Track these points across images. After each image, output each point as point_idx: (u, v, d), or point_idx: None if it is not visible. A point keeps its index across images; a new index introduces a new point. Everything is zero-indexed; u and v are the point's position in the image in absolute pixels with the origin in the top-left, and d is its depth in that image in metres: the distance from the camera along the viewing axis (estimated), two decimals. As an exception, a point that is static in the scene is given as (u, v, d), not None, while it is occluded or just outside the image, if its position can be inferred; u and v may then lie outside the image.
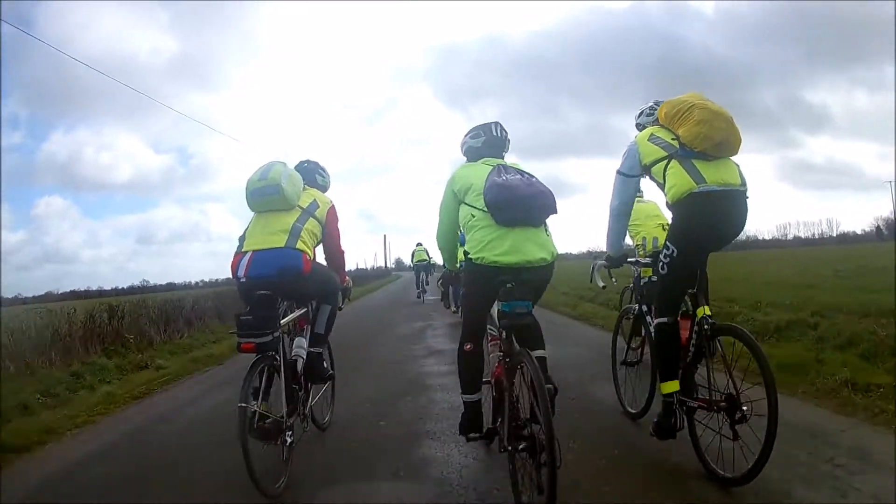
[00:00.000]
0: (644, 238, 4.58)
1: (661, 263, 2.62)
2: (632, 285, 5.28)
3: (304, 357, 3.03)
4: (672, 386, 2.59)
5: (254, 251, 2.79)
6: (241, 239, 2.89)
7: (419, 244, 15.95)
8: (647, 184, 2.93)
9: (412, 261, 15.91)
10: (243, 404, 2.42)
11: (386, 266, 62.61)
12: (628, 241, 4.19)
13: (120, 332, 7.42)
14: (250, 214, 2.99)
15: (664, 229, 3.55)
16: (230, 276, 2.85)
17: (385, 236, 59.22)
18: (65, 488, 2.91)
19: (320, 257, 3.22)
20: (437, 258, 15.84)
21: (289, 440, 2.68)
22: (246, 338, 2.57)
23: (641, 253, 4.48)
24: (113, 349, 6.83)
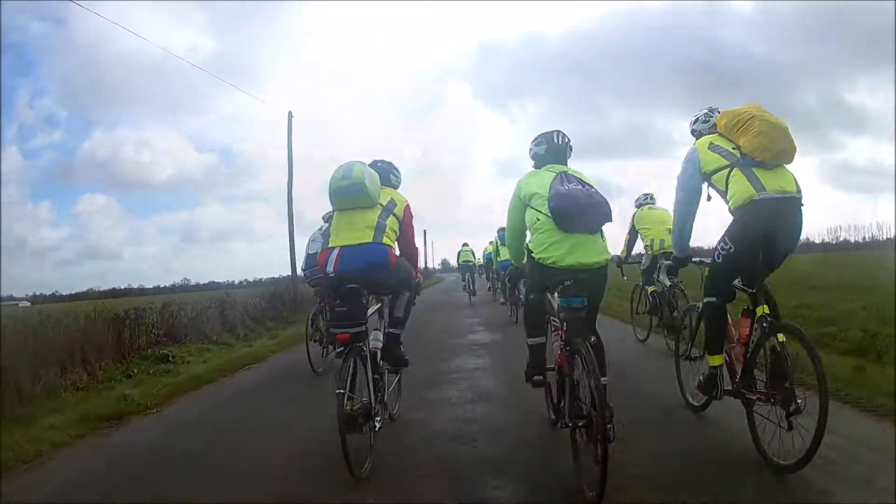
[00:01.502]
0: (651, 240, 5.57)
1: (717, 253, 2.84)
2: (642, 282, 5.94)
3: (381, 348, 3.20)
4: (717, 360, 2.90)
5: (342, 247, 2.94)
6: (326, 236, 3.06)
7: (465, 244, 16.07)
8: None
9: (458, 261, 16.05)
10: (340, 391, 2.60)
11: (426, 266, 57.09)
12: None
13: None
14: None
15: (670, 233, 3.76)
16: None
17: (425, 231, 55.49)
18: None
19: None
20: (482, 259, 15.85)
21: (377, 425, 2.84)
22: (340, 328, 2.81)
23: (649, 253, 5.60)
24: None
